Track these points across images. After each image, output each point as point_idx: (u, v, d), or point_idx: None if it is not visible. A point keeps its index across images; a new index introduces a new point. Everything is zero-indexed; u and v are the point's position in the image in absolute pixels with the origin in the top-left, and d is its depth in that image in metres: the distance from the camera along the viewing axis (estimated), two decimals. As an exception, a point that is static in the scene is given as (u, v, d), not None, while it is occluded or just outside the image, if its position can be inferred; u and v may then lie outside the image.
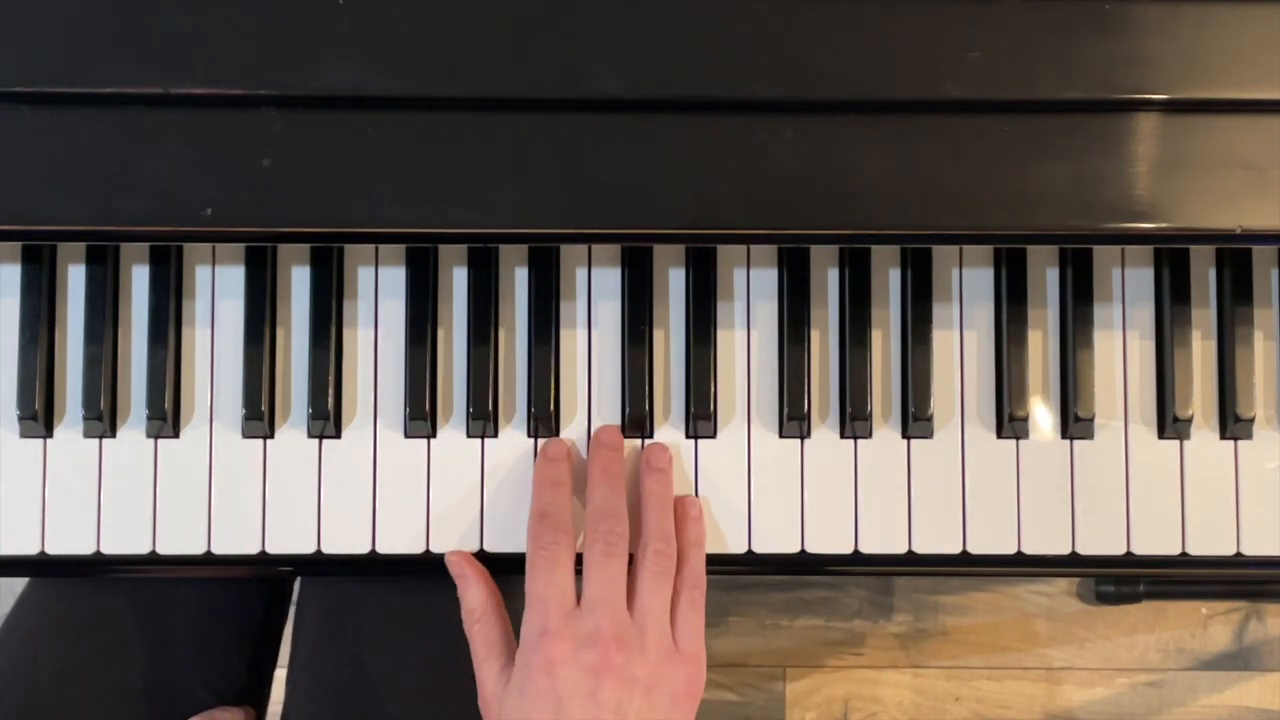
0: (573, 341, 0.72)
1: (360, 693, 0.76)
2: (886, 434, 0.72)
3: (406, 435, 0.71)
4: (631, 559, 0.67)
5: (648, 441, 0.72)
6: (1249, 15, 0.65)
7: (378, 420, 0.71)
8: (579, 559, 0.67)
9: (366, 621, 0.78)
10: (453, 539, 0.71)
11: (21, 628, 0.78)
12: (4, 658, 0.76)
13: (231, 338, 0.71)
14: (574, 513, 0.69)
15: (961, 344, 0.72)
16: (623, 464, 0.70)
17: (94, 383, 0.70)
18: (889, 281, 0.72)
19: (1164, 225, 0.65)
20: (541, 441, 0.71)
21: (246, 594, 0.81)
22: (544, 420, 0.71)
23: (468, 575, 0.69)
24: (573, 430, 0.72)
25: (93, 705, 0.74)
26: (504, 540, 0.71)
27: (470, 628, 0.68)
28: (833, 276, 0.72)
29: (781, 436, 0.72)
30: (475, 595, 0.68)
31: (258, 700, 0.82)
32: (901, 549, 0.71)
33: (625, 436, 0.71)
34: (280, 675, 0.83)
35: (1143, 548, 0.72)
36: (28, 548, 0.70)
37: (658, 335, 0.72)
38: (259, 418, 0.70)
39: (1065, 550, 0.72)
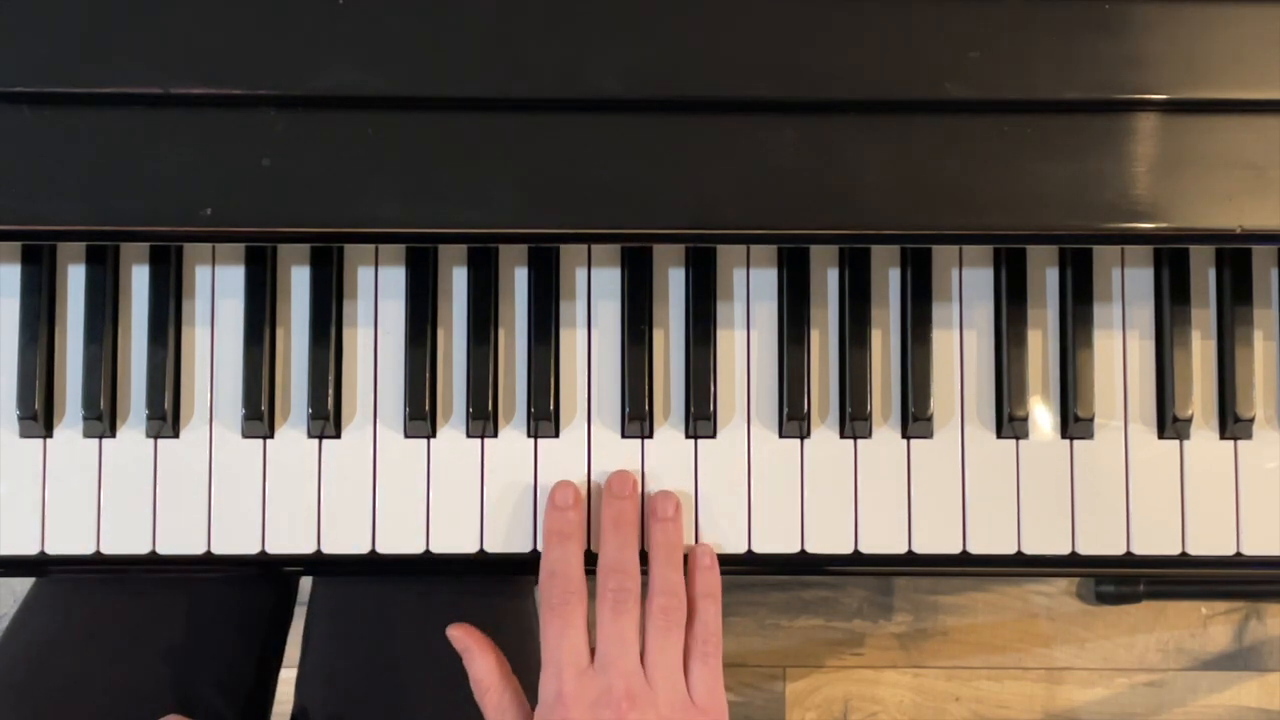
0: (573, 341, 0.72)
1: (372, 696, 0.76)
2: (886, 434, 0.72)
3: (406, 435, 0.71)
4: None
5: (649, 442, 0.72)
6: (1249, 15, 0.65)
7: (377, 420, 0.71)
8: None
9: (379, 625, 0.78)
10: (452, 539, 0.71)
11: (28, 630, 0.78)
12: (13, 659, 0.76)
13: (231, 338, 0.71)
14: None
15: (961, 344, 0.72)
16: (636, 512, 0.69)
17: (94, 383, 0.70)
18: (889, 281, 0.72)
19: (1164, 225, 0.65)
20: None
21: (252, 593, 0.82)
22: (544, 420, 0.71)
23: (471, 648, 0.68)
24: (573, 430, 0.72)
25: (102, 706, 0.74)
26: (504, 540, 0.71)
27: (480, 698, 0.67)
28: (833, 276, 0.72)
29: (781, 436, 0.72)
30: (481, 666, 0.67)
31: (263, 700, 0.82)
32: (901, 549, 0.71)
33: (625, 436, 0.71)
34: (286, 675, 0.83)
35: (1143, 548, 0.72)
36: (28, 548, 0.70)
37: (658, 335, 0.72)
38: (259, 418, 0.70)
39: (1065, 550, 0.72)
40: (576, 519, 0.69)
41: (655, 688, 0.64)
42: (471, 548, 0.71)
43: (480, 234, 0.66)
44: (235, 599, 0.80)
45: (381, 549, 0.71)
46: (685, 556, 0.69)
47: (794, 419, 0.71)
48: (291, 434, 0.71)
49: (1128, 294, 0.73)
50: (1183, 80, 0.64)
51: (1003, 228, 0.65)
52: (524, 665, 0.69)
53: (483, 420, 0.71)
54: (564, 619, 0.65)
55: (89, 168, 0.63)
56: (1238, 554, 0.72)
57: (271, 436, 0.71)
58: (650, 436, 0.72)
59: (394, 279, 0.72)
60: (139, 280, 0.71)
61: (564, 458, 0.72)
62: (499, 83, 0.64)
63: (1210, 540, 0.72)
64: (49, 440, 0.71)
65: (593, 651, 0.65)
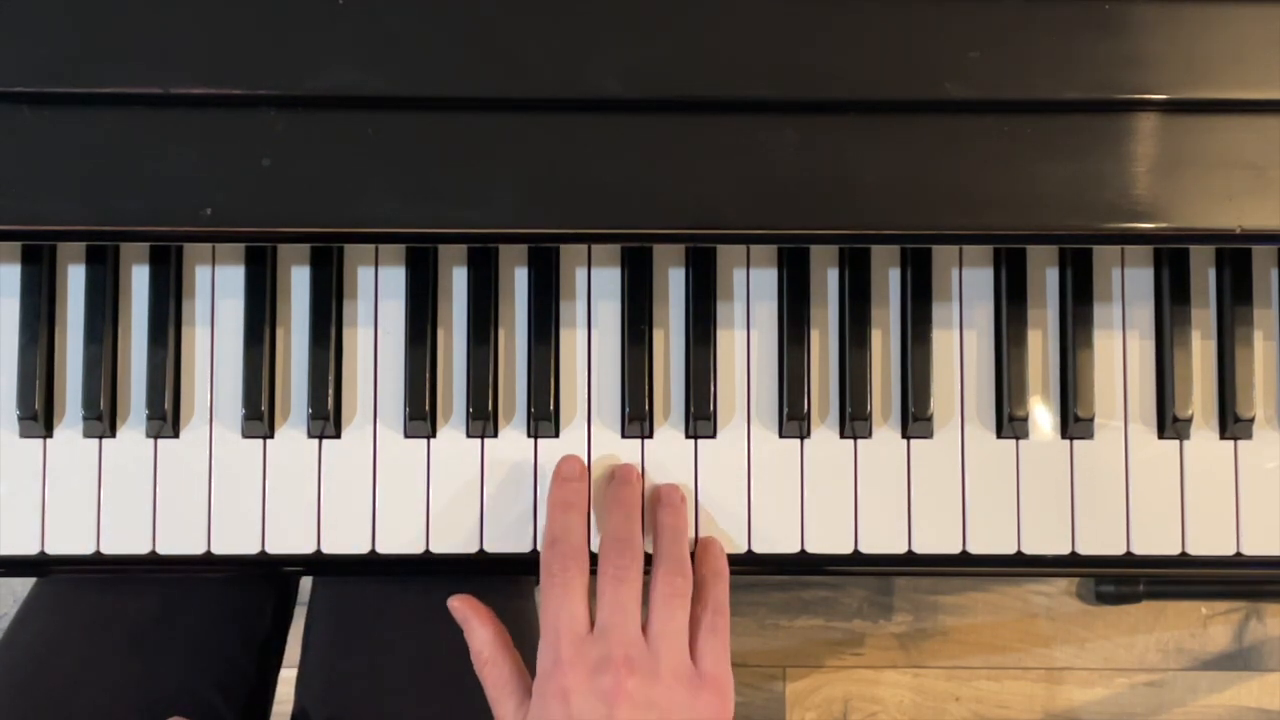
0: (573, 341, 0.72)
1: (373, 697, 0.76)
2: (886, 434, 0.72)
3: (406, 435, 0.71)
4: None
5: (649, 442, 0.72)
6: (1249, 15, 0.65)
7: (377, 420, 0.71)
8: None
9: (379, 625, 0.78)
10: (452, 539, 0.71)
11: (30, 629, 0.78)
12: (13, 659, 0.76)
13: (231, 338, 0.71)
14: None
15: (961, 344, 0.72)
16: (639, 496, 0.69)
17: (94, 383, 0.70)
18: (889, 281, 0.72)
19: (1164, 225, 0.65)
20: (557, 459, 0.71)
21: (253, 593, 0.82)
22: (544, 420, 0.71)
23: (471, 619, 0.67)
24: (573, 430, 0.72)
25: (103, 706, 0.74)
26: (504, 540, 0.71)
27: (480, 670, 0.67)
28: (833, 276, 0.72)
29: (781, 436, 0.72)
30: (481, 637, 0.67)
31: (263, 700, 0.82)
32: (901, 549, 0.71)
33: (625, 436, 0.71)
34: (286, 675, 0.83)
35: (1143, 548, 0.72)
36: (28, 548, 0.70)
37: (658, 335, 0.72)
38: (259, 418, 0.70)
39: (1065, 550, 0.72)
40: (581, 490, 0.69)
41: (657, 655, 0.63)
42: (471, 548, 0.71)
43: (480, 234, 0.66)
44: (235, 599, 0.80)
45: (381, 549, 0.71)
46: (691, 553, 0.69)
47: (794, 419, 0.71)
48: (291, 434, 0.71)
49: (1128, 294, 0.73)
50: (1183, 80, 0.65)
51: (1003, 228, 0.65)
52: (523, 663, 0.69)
53: (483, 420, 0.71)
54: (564, 586, 0.65)
55: (89, 168, 0.63)
56: (1238, 554, 0.72)
57: (271, 436, 0.71)
58: (650, 436, 0.72)
59: (394, 279, 0.72)
60: (139, 280, 0.71)
61: (564, 458, 0.71)
62: (499, 83, 0.64)
63: (1210, 540, 0.72)
64: (49, 440, 0.71)
65: (593, 623, 0.65)
